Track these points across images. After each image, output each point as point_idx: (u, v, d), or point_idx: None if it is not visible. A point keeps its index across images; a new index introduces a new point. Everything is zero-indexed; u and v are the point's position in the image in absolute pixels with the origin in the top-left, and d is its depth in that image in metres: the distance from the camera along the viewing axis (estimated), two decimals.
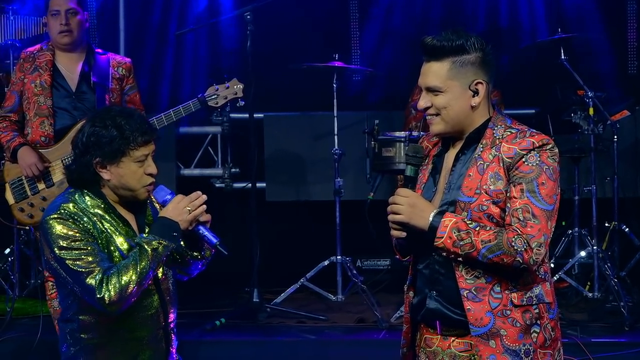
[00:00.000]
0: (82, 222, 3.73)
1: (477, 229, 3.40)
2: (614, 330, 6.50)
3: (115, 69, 6.20)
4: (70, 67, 6.14)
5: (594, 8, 8.08)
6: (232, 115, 8.21)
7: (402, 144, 6.53)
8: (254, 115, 7.18)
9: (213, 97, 6.13)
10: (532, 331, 3.47)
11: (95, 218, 3.77)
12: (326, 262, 7.21)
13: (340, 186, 7.26)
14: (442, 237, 3.41)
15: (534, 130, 3.52)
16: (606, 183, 7.42)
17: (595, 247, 7.03)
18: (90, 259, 3.67)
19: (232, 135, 8.38)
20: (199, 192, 3.79)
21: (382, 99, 8.28)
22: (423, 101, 3.54)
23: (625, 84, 8.02)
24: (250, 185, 7.34)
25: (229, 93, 6.16)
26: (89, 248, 3.70)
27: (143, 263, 3.64)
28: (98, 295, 3.61)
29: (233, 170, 8.46)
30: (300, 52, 7.89)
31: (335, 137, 7.30)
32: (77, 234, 3.71)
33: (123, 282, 3.61)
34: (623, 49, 8.25)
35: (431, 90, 3.52)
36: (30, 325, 6.64)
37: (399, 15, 8.34)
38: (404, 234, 3.49)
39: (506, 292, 3.45)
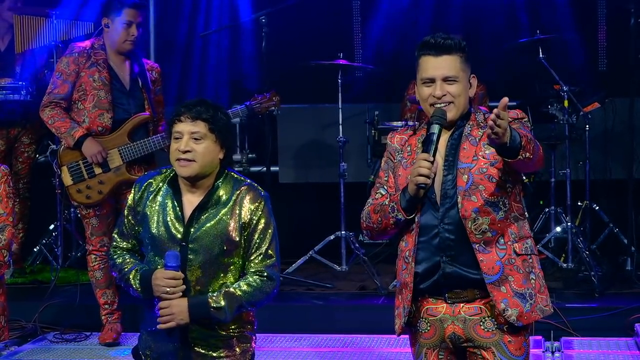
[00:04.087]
0: (142, 192, 3.82)
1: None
2: (586, 296, 6.53)
3: (150, 72, 6.05)
4: (121, 67, 5.94)
5: (569, 12, 8.05)
6: None
7: None
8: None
9: (257, 105, 6.25)
10: (530, 278, 3.50)
11: (156, 191, 3.81)
12: (332, 237, 7.17)
13: (344, 170, 7.24)
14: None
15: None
16: (579, 167, 7.43)
17: (569, 224, 7.04)
18: (126, 225, 3.88)
19: (249, 125, 8.30)
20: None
21: (381, 93, 8.23)
22: (440, 90, 3.48)
23: (596, 80, 7.97)
24: (265, 168, 7.36)
25: (269, 103, 6.29)
26: (129, 218, 3.87)
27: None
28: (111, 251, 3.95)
29: (250, 155, 8.39)
30: (309, 51, 7.82)
31: (340, 126, 7.27)
32: (132, 204, 3.85)
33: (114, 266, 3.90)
34: (594, 48, 8.21)
35: (448, 79, 3.49)
36: (72, 292, 6.65)
37: (396, 19, 8.27)
38: (429, 181, 3.37)
39: (509, 243, 3.46)
